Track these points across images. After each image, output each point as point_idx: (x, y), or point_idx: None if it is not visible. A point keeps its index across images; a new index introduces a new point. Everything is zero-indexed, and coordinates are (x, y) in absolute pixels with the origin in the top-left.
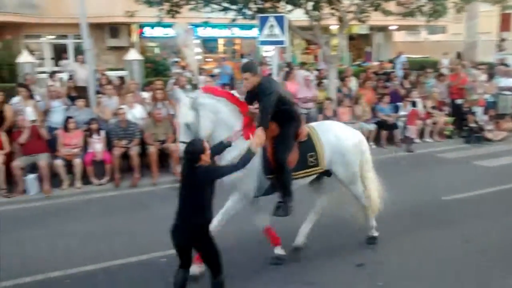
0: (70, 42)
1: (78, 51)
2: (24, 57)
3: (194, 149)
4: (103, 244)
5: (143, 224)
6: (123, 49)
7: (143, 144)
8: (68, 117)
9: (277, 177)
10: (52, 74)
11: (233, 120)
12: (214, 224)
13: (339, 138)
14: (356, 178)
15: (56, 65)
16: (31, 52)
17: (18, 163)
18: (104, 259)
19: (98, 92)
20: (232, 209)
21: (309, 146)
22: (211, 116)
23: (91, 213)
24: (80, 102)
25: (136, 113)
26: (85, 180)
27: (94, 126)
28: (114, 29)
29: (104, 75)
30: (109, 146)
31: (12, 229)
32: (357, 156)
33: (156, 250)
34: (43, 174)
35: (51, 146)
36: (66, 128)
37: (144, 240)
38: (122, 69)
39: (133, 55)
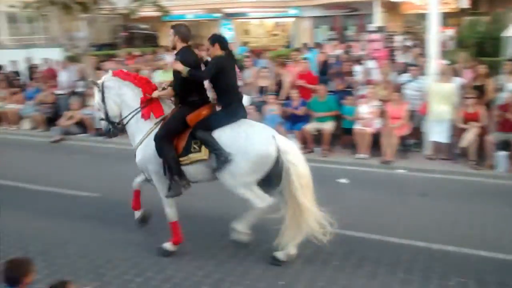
0: None
1: None
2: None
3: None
4: None
5: None
6: None
7: None
8: None
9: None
10: None
11: (135, 103)
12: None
13: (240, 139)
14: (243, 187)
15: None
16: None
17: (492, 138)
18: None
19: None
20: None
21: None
22: (115, 98)
23: None
24: None
25: None
26: None
27: None
28: None
29: None
30: None
31: (479, 201)
32: (254, 168)
33: None
34: None
35: None
36: None
37: None
38: None
39: None
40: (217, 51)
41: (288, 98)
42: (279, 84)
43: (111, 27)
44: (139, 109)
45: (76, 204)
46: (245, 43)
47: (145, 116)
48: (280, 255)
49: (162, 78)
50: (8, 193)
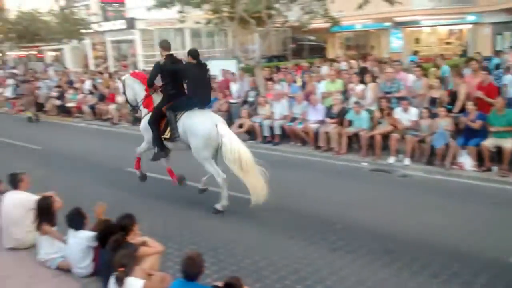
0: None
1: None
2: None
3: None
4: None
5: None
6: None
7: None
8: None
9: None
10: None
11: (141, 94)
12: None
13: (191, 123)
14: (204, 159)
15: None
16: None
17: None
18: None
19: None
20: (143, 148)
21: (171, 120)
22: (129, 89)
23: None
24: None
25: None
26: None
27: None
28: None
29: None
30: None
31: None
32: (205, 143)
33: None
34: None
35: None
36: None
37: None
38: None
39: None
40: (191, 60)
41: (462, 110)
42: (452, 96)
43: (281, 39)
44: (143, 99)
45: (243, 206)
46: (415, 52)
47: (144, 104)
48: (218, 206)
49: (328, 88)
50: (184, 192)
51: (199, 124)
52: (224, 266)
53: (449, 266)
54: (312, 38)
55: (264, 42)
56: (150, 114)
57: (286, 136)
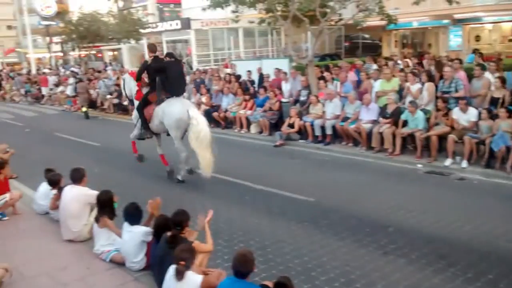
0: None
1: None
2: None
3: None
4: None
5: None
6: None
7: None
8: None
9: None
10: None
11: (134, 89)
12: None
13: (167, 109)
14: (175, 138)
15: None
16: None
17: None
18: None
19: None
20: (134, 133)
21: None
22: (127, 86)
23: None
24: None
25: None
26: None
27: None
28: None
29: None
30: None
31: None
32: (177, 125)
33: None
34: None
35: None
36: None
37: None
38: None
39: None
40: (169, 59)
41: None
42: None
43: (334, 37)
44: (136, 93)
45: (292, 206)
46: (475, 50)
47: (136, 97)
48: (179, 177)
49: (383, 87)
50: (234, 189)
51: (174, 108)
52: (272, 266)
53: (508, 275)
54: (367, 36)
55: (317, 41)
56: (137, 102)
57: (338, 136)
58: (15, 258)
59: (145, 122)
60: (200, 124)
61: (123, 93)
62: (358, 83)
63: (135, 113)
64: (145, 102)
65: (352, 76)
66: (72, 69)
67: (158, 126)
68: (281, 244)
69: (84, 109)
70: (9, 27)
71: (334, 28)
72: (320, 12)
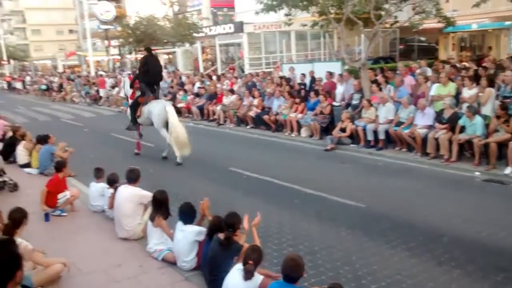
0: None
1: None
2: None
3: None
4: None
5: None
6: None
7: None
8: None
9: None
10: None
11: (129, 90)
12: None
13: (151, 108)
14: (159, 128)
15: None
16: None
17: None
18: None
19: None
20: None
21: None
22: (125, 86)
23: None
24: None
25: None
26: None
27: None
28: None
29: None
30: None
31: None
32: (159, 118)
33: None
34: None
35: None
36: None
37: None
38: None
39: None
40: (148, 54)
41: None
42: None
43: (388, 40)
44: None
45: (342, 211)
46: None
47: (130, 97)
48: (179, 160)
49: (439, 92)
50: (283, 193)
51: (156, 107)
52: (322, 272)
53: None
54: (423, 39)
55: (370, 44)
56: (131, 101)
57: (391, 141)
58: (73, 254)
59: (134, 118)
60: (173, 121)
61: (122, 92)
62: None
63: (128, 110)
64: (136, 103)
65: (409, 80)
66: (127, 72)
67: (145, 120)
68: (330, 249)
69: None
70: (71, 31)
71: (389, 31)
72: (374, 15)
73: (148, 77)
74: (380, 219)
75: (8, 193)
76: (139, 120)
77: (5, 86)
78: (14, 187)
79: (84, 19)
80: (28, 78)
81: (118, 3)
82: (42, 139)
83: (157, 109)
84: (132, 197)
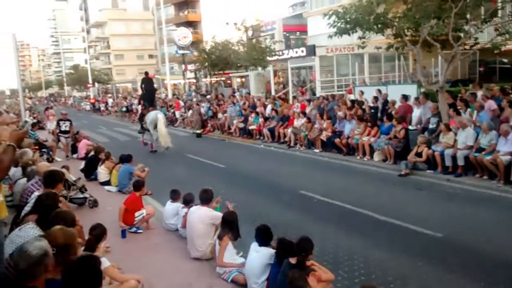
0: None
1: None
2: None
3: None
4: None
5: None
6: None
7: None
8: None
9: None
10: None
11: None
12: None
13: (149, 116)
14: (150, 129)
15: None
16: None
17: None
18: None
19: None
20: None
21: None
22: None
23: None
24: None
25: None
26: None
27: None
28: None
29: None
30: None
31: None
32: (151, 122)
33: None
34: None
35: None
36: None
37: None
38: None
39: None
40: (146, 76)
41: None
42: None
43: (467, 62)
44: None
45: (417, 241)
46: None
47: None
48: (161, 149)
49: None
50: (355, 219)
51: (151, 115)
52: None
53: None
54: (505, 60)
55: (449, 66)
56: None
57: (471, 167)
58: (146, 271)
59: (142, 125)
60: (160, 126)
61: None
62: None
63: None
64: (142, 114)
65: (490, 104)
66: (205, 94)
67: (148, 126)
68: (405, 280)
69: (197, 131)
70: (151, 56)
71: (469, 53)
72: (453, 36)
73: (145, 95)
74: (459, 250)
75: (89, 209)
76: (145, 126)
77: (89, 107)
78: (94, 203)
79: (163, 44)
80: (110, 100)
81: (195, 29)
82: (125, 159)
83: (151, 116)
84: (204, 218)
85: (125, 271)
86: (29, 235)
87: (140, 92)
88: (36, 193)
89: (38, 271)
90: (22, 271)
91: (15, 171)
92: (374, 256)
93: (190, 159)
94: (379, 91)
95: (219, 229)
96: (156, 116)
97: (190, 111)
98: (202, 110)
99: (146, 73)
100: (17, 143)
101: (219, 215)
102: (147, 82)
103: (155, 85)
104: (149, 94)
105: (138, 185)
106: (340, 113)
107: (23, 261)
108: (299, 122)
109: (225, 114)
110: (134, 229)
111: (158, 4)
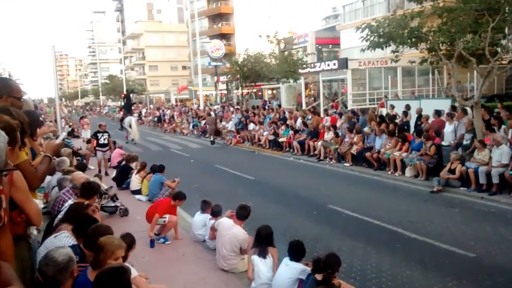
0: None
1: None
2: None
3: None
4: None
5: None
6: None
7: None
8: None
9: None
10: None
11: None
12: None
13: (126, 119)
14: (127, 127)
15: None
16: None
17: None
18: None
19: None
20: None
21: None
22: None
23: None
24: None
25: None
26: None
27: None
28: None
29: None
30: None
31: None
32: (127, 123)
33: None
34: None
35: None
36: None
37: None
38: None
39: None
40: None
41: None
42: None
43: (504, 76)
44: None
45: (449, 260)
46: None
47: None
48: (135, 141)
49: None
50: (385, 236)
51: (127, 119)
52: None
53: None
54: None
55: (485, 81)
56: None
57: (506, 186)
58: (173, 282)
59: (121, 125)
60: (133, 125)
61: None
62: None
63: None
64: (122, 118)
65: None
66: (216, 106)
67: (125, 125)
68: None
69: (211, 138)
70: (184, 67)
71: (506, 68)
72: (489, 51)
73: (124, 106)
74: (493, 272)
75: (119, 217)
76: (124, 126)
77: None
78: (125, 212)
79: (196, 56)
80: (143, 110)
81: (228, 41)
82: (158, 169)
83: (127, 119)
84: (233, 240)
85: (152, 281)
86: (64, 243)
87: (173, 102)
88: (70, 202)
89: (64, 277)
90: (50, 278)
91: (50, 179)
92: (403, 274)
93: (219, 170)
94: (408, 106)
95: (255, 248)
96: (130, 119)
97: (223, 122)
98: (232, 122)
99: (127, 91)
100: (52, 154)
101: (247, 239)
102: (127, 97)
103: (132, 101)
104: (127, 105)
105: (179, 196)
106: (366, 129)
107: (50, 268)
108: (329, 135)
109: (259, 126)
110: (162, 240)
111: (193, 16)
